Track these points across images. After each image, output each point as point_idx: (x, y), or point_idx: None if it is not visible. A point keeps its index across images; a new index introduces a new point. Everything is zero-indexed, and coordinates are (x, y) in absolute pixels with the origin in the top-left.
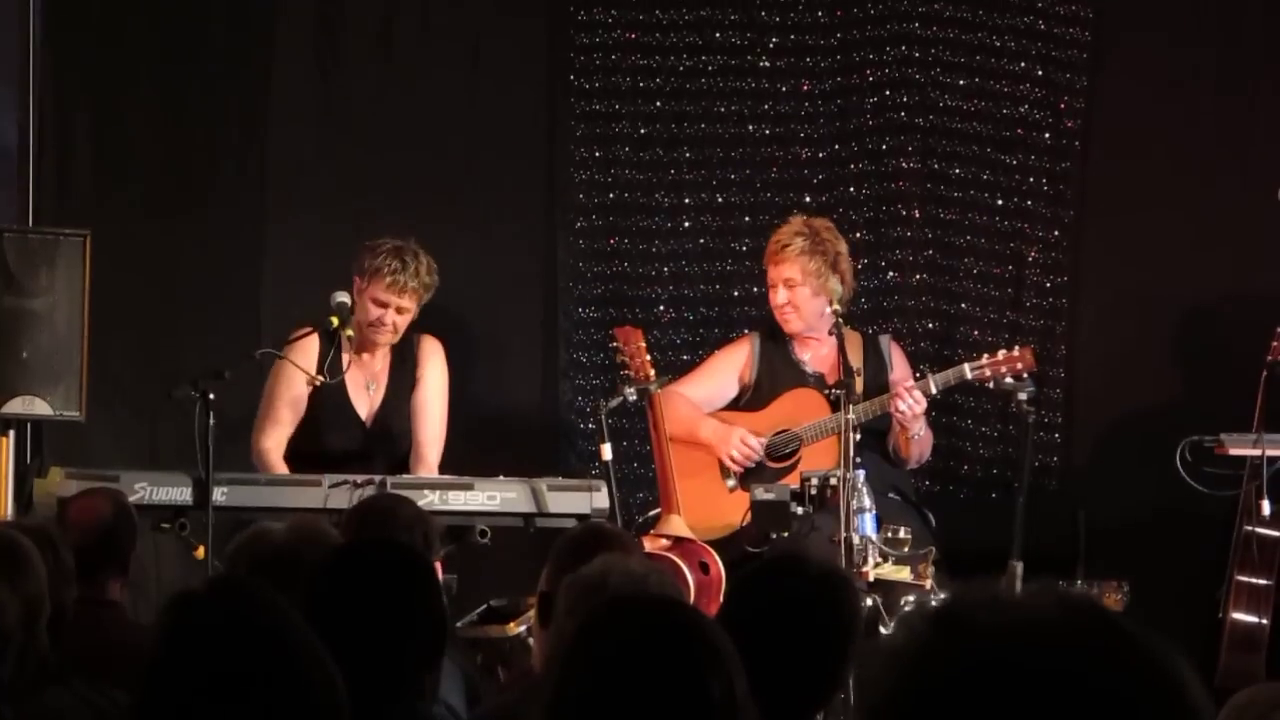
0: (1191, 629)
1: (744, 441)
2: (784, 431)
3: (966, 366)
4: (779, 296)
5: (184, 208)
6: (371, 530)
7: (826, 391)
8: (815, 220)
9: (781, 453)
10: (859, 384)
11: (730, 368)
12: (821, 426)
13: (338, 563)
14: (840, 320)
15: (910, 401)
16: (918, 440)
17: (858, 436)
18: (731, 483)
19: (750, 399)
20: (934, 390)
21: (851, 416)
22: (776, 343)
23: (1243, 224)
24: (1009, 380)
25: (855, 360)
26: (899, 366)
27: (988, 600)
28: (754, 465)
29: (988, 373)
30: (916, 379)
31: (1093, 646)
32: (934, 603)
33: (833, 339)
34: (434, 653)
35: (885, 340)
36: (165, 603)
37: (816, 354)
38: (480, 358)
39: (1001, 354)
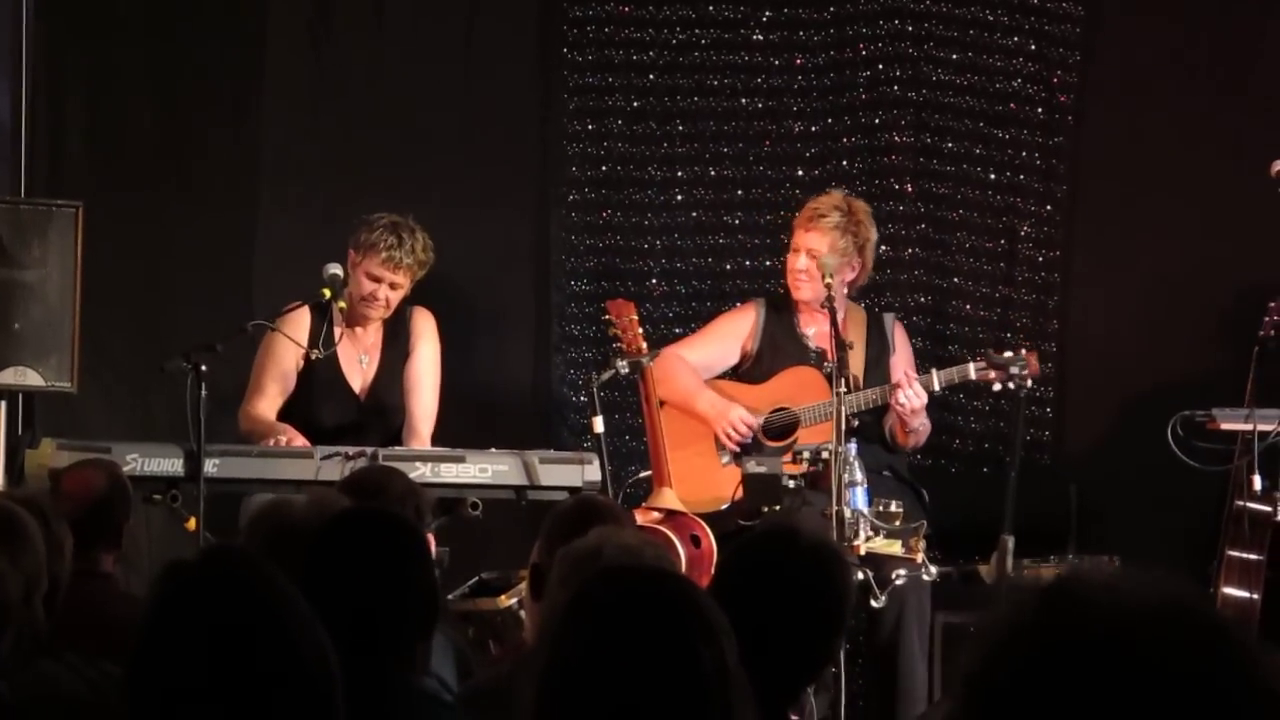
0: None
1: (742, 420)
2: (782, 409)
3: (971, 366)
4: (798, 261)
5: (176, 181)
6: (364, 502)
7: (827, 368)
8: (856, 203)
9: (777, 431)
10: (859, 362)
11: (733, 334)
12: (820, 409)
13: (329, 532)
14: (832, 295)
15: (911, 394)
16: (915, 432)
17: (855, 423)
18: (726, 458)
19: (750, 368)
20: (936, 387)
21: (850, 400)
22: (780, 314)
23: (1236, 199)
24: (1012, 383)
25: (857, 337)
26: (901, 348)
27: (1103, 582)
28: (750, 442)
29: (992, 374)
30: (920, 372)
31: (1198, 641)
32: (1045, 580)
33: (841, 316)
34: (426, 624)
35: (890, 320)
36: (157, 572)
37: (820, 329)
38: (473, 331)
39: (1008, 354)
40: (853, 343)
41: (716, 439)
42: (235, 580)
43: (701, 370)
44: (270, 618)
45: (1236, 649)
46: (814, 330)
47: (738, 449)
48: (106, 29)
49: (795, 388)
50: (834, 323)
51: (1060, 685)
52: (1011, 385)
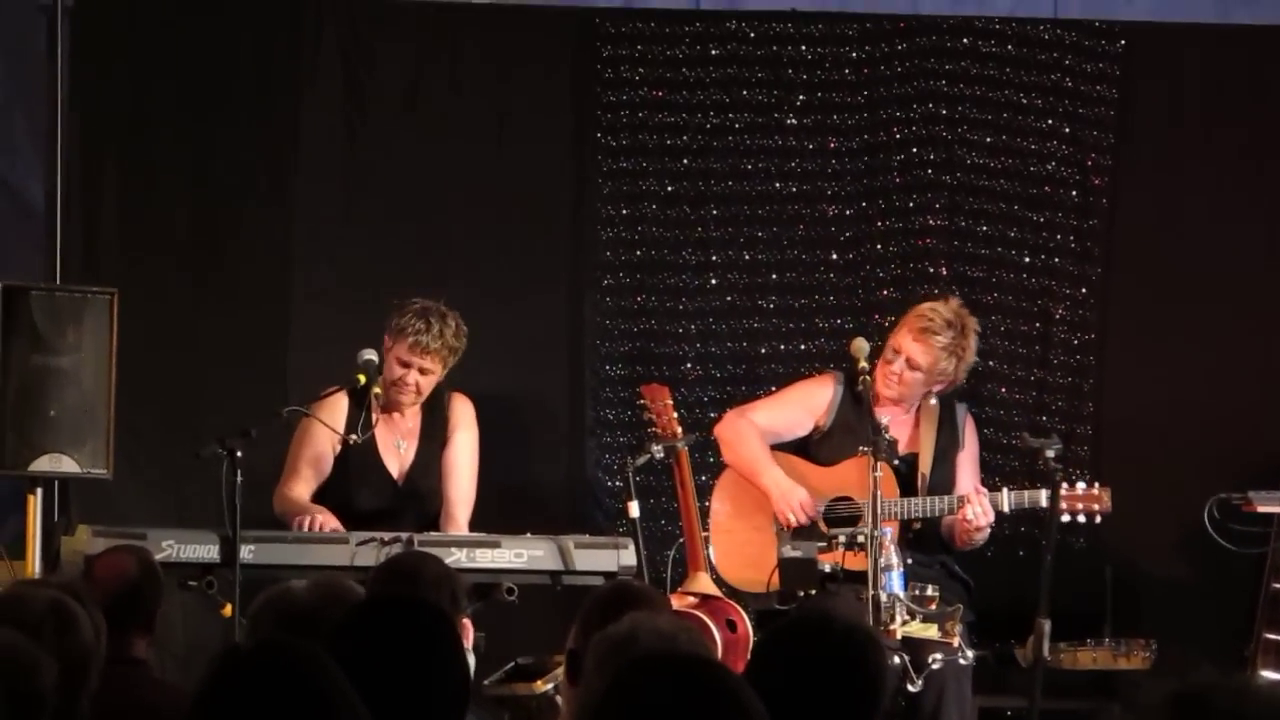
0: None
1: (804, 507)
2: (846, 499)
3: (1044, 494)
4: (895, 366)
5: (211, 267)
6: (398, 587)
7: (895, 463)
8: (968, 319)
9: (838, 520)
10: (927, 459)
11: (808, 406)
12: (886, 509)
13: (359, 620)
14: (866, 379)
15: (979, 510)
16: (972, 544)
17: (917, 526)
18: (784, 539)
19: (819, 442)
20: (1006, 508)
21: (879, 474)
22: (855, 397)
23: (1270, 284)
24: (1082, 516)
25: (928, 431)
26: (970, 443)
27: (1227, 688)
28: (807, 527)
29: (1063, 505)
30: (990, 489)
31: None
32: (1176, 687)
33: (914, 408)
34: (457, 710)
35: (962, 411)
36: (210, 660)
37: (896, 418)
38: (508, 415)
39: (1081, 489)
40: (889, 426)
41: (772, 514)
42: (287, 667)
43: (769, 436)
44: (320, 706)
45: None
46: (888, 419)
47: (792, 529)
48: (140, 117)
49: (861, 479)
50: (869, 407)
51: None
52: (1082, 519)
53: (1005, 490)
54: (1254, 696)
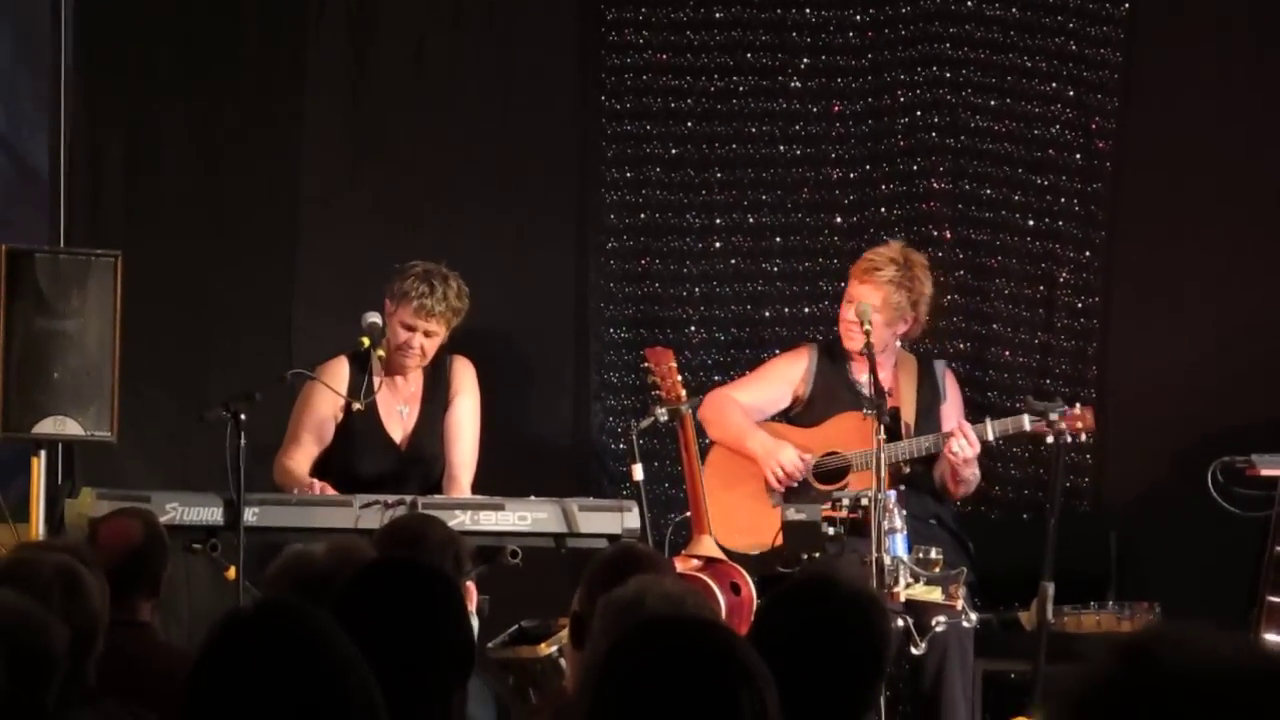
0: None
1: (791, 461)
2: (834, 454)
3: (1026, 418)
4: (849, 313)
5: (215, 230)
6: (402, 551)
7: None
8: (914, 255)
9: (828, 476)
10: (910, 410)
11: (785, 378)
12: (872, 456)
13: (362, 583)
14: (870, 340)
15: (964, 443)
16: (965, 482)
17: (907, 470)
18: (775, 500)
19: (801, 413)
20: (990, 437)
21: (882, 438)
22: (834, 360)
23: (1275, 245)
24: (1067, 437)
25: (909, 386)
26: (952, 396)
27: (1177, 641)
28: (798, 484)
29: (1046, 427)
30: (973, 423)
31: (1272, 702)
32: (1124, 637)
33: (891, 366)
34: (460, 673)
35: (940, 366)
36: (213, 622)
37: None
38: (512, 379)
39: (1064, 410)
40: (893, 390)
41: (766, 480)
42: (290, 629)
43: (752, 412)
44: (323, 668)
45: None
46: (867, 378)
47: (784, 488)
48: (144, 80)
49: (848, 433)
50: (872, 369)
51: None
52: (1067, 439)
53: (989, 420)
54: (1199, 647)
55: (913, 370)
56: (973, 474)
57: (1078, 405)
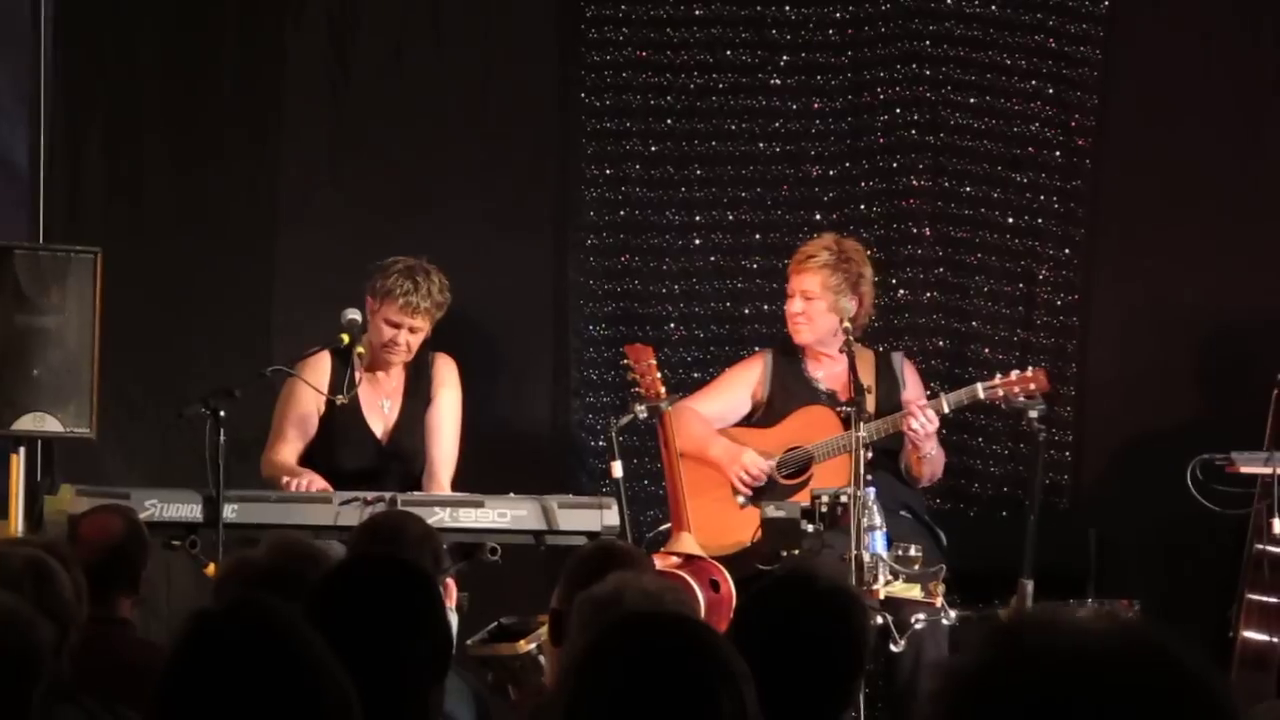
0: (1202, 647)
1: (754, 464)
2: (795, 449)
3: (979, 386)
4: (794, 305)
5: (194, 226)
6: (380, 547)
7: (839, 409)
8: (847, 241)
9: (793, 470)
10: (871, 402)
11: (743, 384)
12: (833, 444)
13: (339, 580)
14: (850, 338)
15: (923, 420)
16: (930, 459)
17: (869, 455)
18: (742, 500)
19: (763, 416)
20: (946, 409)
21: (863, 434)
22: (789, 360)
23: (1255, 242)
24: (1021, 400)
25: (867, 378)
26: (912, 384)
27: (1045, 625)
28: (764, 484)
29: (1000, 392)
30: (929, 398)
31: (1147, 678)
32: (992, 624)
33: (844, 356)
34: (437, 670)
35: (898, 358)
36: (182, 620)
37: (829, 371)
38: (491, 376)
39: (1015, 374)
40: (871, 386)
41: (732, 484)
42: (260, 628)
43: (715, 421)
44: (294, 666)
45: (1180, 680)
46: (823, 374)
47: (751, 492)
48: (124, 77)
49: (807, 427)
50: (852, 366)
51: None
52: (1021, 400)
53: (943, 394)
54: (1067, 628)
55: (870, 363)
56: (934, 449)
57: (1030, 368)
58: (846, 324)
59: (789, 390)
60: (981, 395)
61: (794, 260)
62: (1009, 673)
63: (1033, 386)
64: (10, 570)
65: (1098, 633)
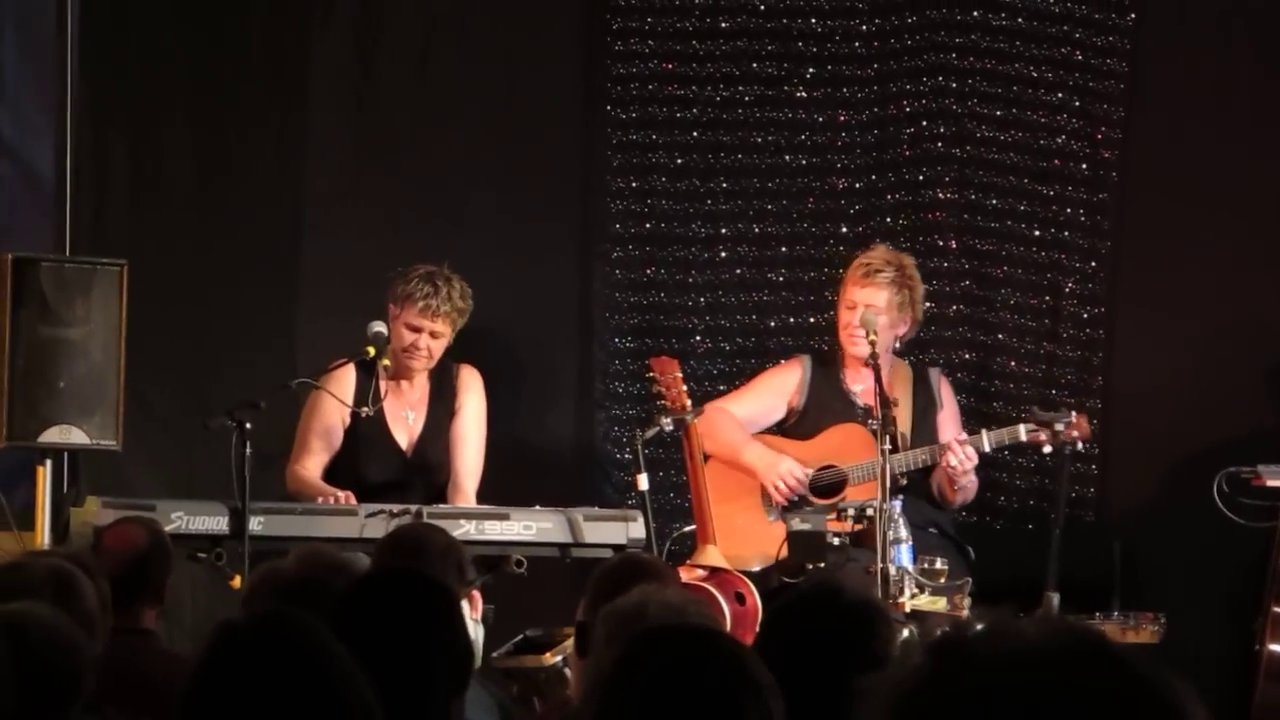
0: (1227, 661)
1: (791, 474)
2: (830, 467)
3: (1022, 428)
4: (855, 319)
5: (219, 236)
6: (404, 559)
7: (873, 425)
8: (904, 256)
9: (825, 488)
10: (906, 419)
11: (779, 390)
12: (869, 469)
13: (361, 593)
14: (875, 354)
15: (962, 457)
16: (963, 490)
17: (904, 482)
18: (773, 515)
19: (796, 424)
20: (987, 448)
21: (898, 460)
22: (827, 371)
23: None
24: (1065, 449)
25: (904, 393)
26: (948, 403)
27: (985, 631)
28: (797, 499)
29: (1042, 436)
30: (970, 433)
31: (1086, 679)
32: (933, 635)
33: (886, 373)
34: (457, 681)
35: (935, 374)
36: (209, 631)
37: (867, 385)
38: (517, 388)
39: (1057, 415)
40: (898, 399)
41: (763, 494)
42: (286, 640)
43: (747, 425)
44: (319, 678)
45: (1121, 680)
46: (861, 387)
47: (786, 503)
48: (149, 87)
49: (843, 445)
50: (879, 379)
51: None
52: (1065, 450)
53: (984, 431)
54: (1012, 638)
55: (907, 378)
56: (970, 483)
57: (1073, 414)
58: (873, 336)
59: (825, 402)
60: (1024, 438)
61: (854, 271)
62: (953, 681)
63: (1075, 435)
64: (33, 580)
65: (1040, 637)
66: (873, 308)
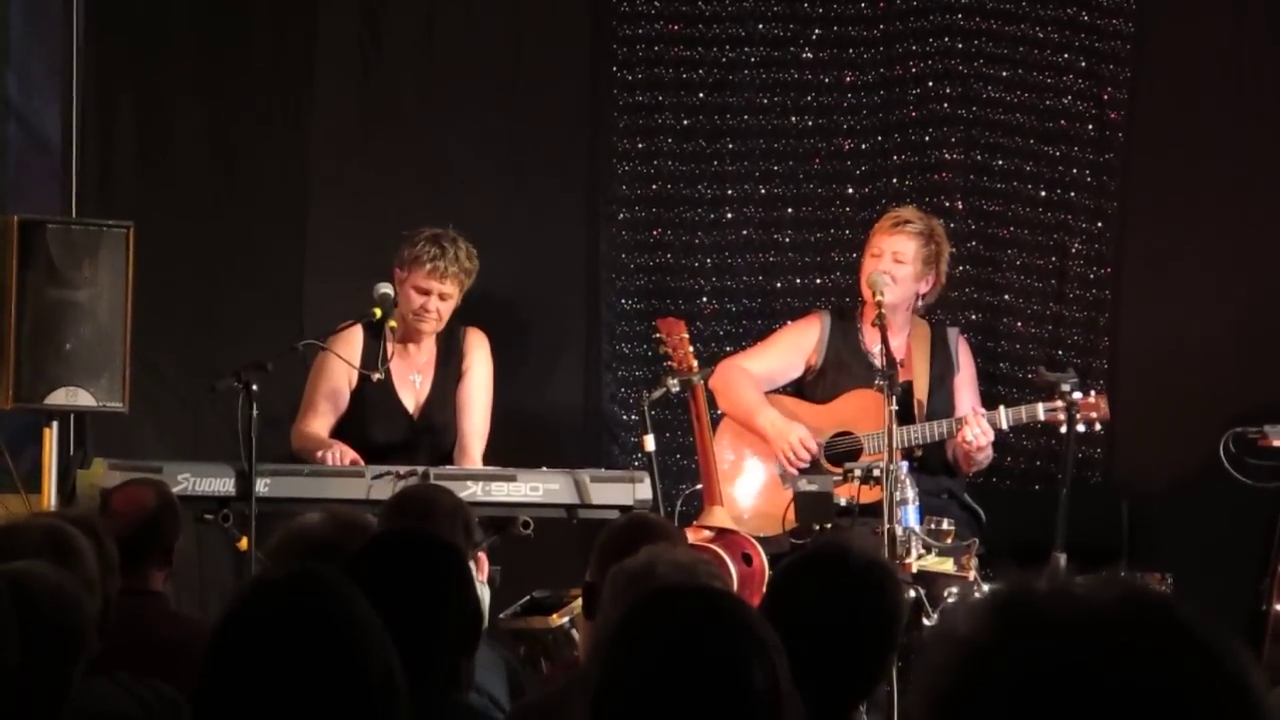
0: (1234, 621)
1: (803, 443)
2: (846, 434)
3: (1040, 406)
4: (882, 264)
5: (226, 201)
6: (411, 520)
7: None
8: (933, 219)
9: (840, 455)
10: (925, 381)
11: (797, 347)
12: (885, 439)
13: (369, 554)
14: (882, 311)
15: (978, 431)
16: (978, 464)
17: (919, 453)
18: (786, 482)
19: (813, 382)
20: (1004, 425)
21: (914, 432)
22: (846, 328)
23: None
24: (1081, 427)
25: (921, 354)
26: (965, 367)
27: (1052, 593)
28: (809, 465)
29: (1061, 416)
30: (988, 409)
31: (1154, 644)
32: (995, 591)
33: (903, 330)
34: (467, 642)
35: (954, 335)
36: (241, 585)
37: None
38: (523, 350)
39: (1078, 398)
40: (903, 362)
41: (777, 460)
42: (320, 597)
43: (763, 382)
44: (348, 637)
45: (1187, 645)
46: (879, 348)
47: (796, 471)
48: (155, 51)
49: (859, 411)
50: (885, 341)
51: (1019, 704)
52: (1081, 428)
53: (1002, 408)
54: (1080, 599)
55: (926, 339)
56: (985, 459)
57: (1092, 393)
58: (880, 297)
59: (843, 362)
60: (1042, 416)
61: (884, 222)
62: (1023, 642)
63: (1094, 415)
64: (29, 542)
65: (1107, 600)
66: (900, 256)
